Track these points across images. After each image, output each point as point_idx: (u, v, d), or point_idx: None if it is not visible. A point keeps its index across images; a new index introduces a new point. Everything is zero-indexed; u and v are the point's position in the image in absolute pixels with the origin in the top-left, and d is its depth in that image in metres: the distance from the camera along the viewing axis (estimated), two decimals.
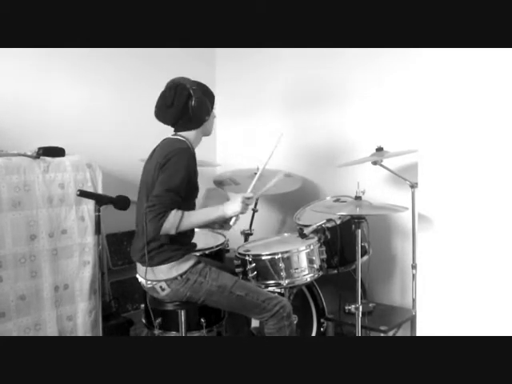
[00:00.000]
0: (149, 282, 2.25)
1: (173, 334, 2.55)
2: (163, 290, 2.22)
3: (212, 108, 2.31)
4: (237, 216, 2.22)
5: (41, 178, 2.45)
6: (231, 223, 2.26)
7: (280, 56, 3.38)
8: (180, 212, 2.08)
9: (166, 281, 2.20)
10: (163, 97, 2.24)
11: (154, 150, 2.31)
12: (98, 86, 3.15)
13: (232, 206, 2.17)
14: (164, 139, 2.30)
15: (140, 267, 2.28)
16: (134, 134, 3.28)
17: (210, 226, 2.38)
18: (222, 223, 2.35)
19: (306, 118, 3.34)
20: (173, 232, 2.08)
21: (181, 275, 2.19)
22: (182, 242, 2.22)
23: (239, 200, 2.16)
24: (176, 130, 2.30)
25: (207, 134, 2.38)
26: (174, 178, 2.10)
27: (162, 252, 2.19)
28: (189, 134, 2.28)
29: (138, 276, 2.34)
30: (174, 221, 2.06)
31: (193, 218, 2.14)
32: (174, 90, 2.21)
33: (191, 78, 2.25)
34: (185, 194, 2.13)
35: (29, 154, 2.45)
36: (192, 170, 2.18)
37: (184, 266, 2.20)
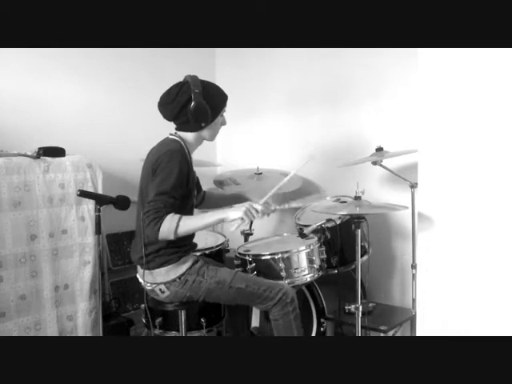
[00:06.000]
0: (148, 285, 2.25)
1: (173, 333, 2.55)
2: (163, 292, 2.22)
3: (215, 115, 2.22)
4: (241, 220, 2.08)
5: (41, 178, 2.45)
6: (232, 229, 2.11)
7: (281, 56, 3.38)
8: (177, 216, 2.01)
9: (164, 283, 2.20)
10: (169, 91, 2.20)
11: (152, 149, 2.28)
12: (98, 85, 3.14)
13: (235, 211, 2.08)
14: (162, 140, 2.28)
15: (139, 269, 2.28)
16: (134, 133, 3.28)
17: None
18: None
19: (306, 119, 3.33)
20: (171, 237, 2.01)
21: (179, 277, 2.19)
22: (179, 245, 2.18)
23: (245, 205, 2.08)
24: (176, 128, 2.27)
25: (208, 139, 2.30)
26: (166, 180, 2.04)
27: (160, 256, 2.18)
28: (187, 135, 2.24)
29: (138, 277, 2.34)
30: (170, 225, 1.98)
31: (192, 220, 2.07)
32: (180, 87, 2.17)
33: (200, 78, 2.19)
34: (180, 196, 2.07)
35: (29, 154, 2.45)
36: (184, 171, 2.11)
37: (182, 267, 2.19)
